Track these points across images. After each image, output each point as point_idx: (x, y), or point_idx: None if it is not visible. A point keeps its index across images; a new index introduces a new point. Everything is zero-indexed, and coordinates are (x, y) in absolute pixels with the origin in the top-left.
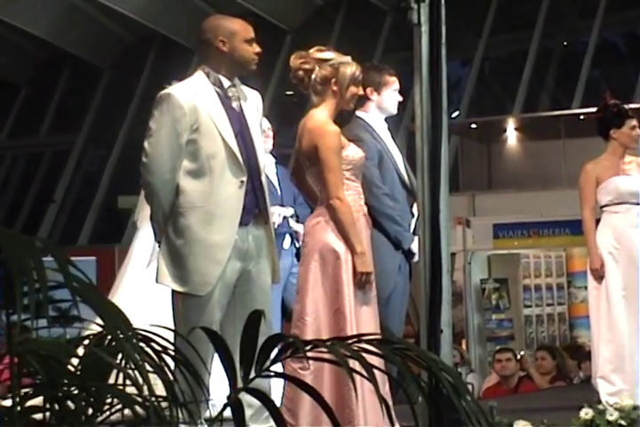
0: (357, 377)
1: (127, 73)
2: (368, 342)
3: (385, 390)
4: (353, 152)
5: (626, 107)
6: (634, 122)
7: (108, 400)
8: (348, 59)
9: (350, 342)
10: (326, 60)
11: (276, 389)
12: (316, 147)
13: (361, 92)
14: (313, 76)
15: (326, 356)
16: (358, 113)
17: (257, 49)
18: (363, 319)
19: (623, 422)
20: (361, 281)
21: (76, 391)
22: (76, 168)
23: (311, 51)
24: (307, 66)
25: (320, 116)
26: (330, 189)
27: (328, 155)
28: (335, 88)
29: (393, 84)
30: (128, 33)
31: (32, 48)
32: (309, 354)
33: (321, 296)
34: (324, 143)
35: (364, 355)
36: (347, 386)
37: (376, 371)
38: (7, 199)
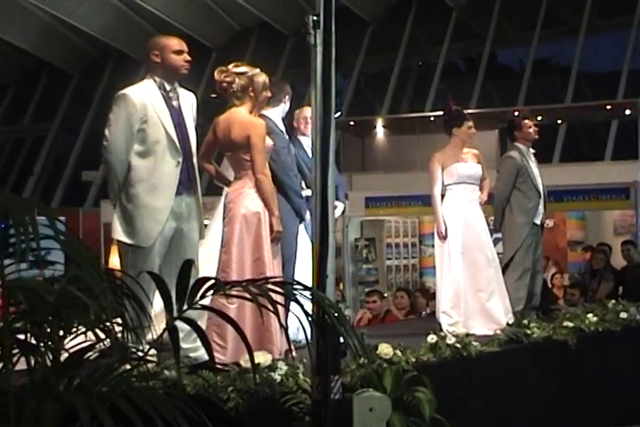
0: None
1: (91, 78)
2: (274, 283)
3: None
4: (267, 140)
5: (464, 111)
6: (470, 123)
7: (76, 325)
8: (258, 70)
9: (260, 283)
10: (243, 73)
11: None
12: (248, 135)
13: (269, 95)
14: (234, 86)
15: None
16: (264, 112)
17: (186, 58)
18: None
19: (458, 345)
20: (275, 237)
21: (50, 318)
22: (51, 149)
23: (230, 66)
24: (228, 79)
25: (245, 113)
26: (258, 167)
27: (259, 141)
28: (252, 94)
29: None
30: (92, 48)
31: (15, 56)
32: (233, 293)
33: (245, 249)
34: (255, 132)
35: (271, 293)
36: (265, 315)
37: (279, 305)
38: None
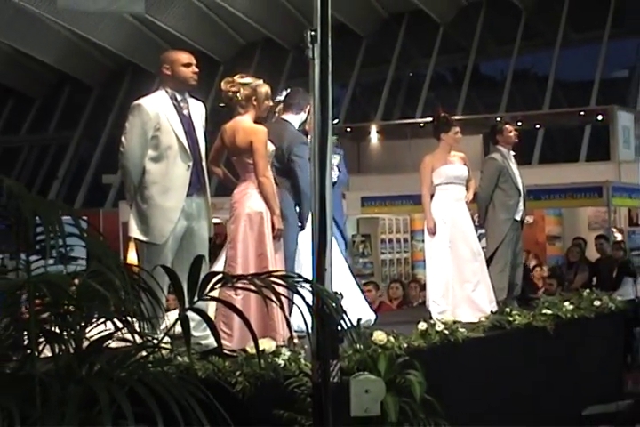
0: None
1: (110, 90)
2: (277, 276)
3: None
4: (269, 145)
5: (451, 118)
6: (457, 129)
7: (96, 315)
8: (260, 81)
9: (264, 276)
10: (247, 84)
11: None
12: (251, 141)
13: (271, 104)
14: (238, 95)
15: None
16: (285, 117)
17: (194, 70)
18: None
19: (446, 332)
20: (277, 235)
21: (72, 309)
22: (73, 155)
23: (235, 77)
24: (233, 88)
25: (249, 121)
26: (260, 169)
27: (260, 146)
28: (255, 103)
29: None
30: (111, 62)
31: (40, 71)
32: (239, 285)
33: (249, 245)
34: (257, 138)
35: (274, 286)
36: (269, 305)
37: (282, 297)
38: (25, 176)
